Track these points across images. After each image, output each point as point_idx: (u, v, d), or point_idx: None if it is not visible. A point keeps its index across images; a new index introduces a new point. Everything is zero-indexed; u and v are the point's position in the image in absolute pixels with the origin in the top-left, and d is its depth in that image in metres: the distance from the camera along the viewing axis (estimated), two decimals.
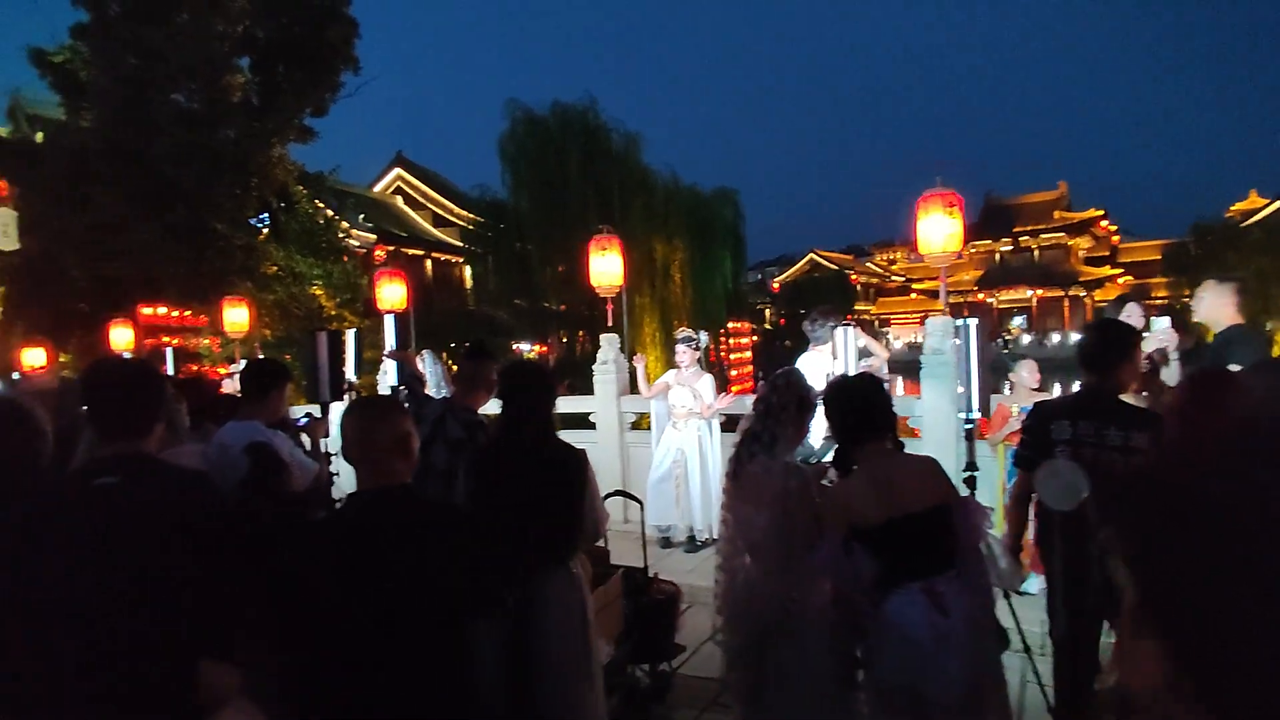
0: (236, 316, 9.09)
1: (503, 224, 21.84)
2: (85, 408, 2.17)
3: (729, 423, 6.00)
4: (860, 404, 2.31)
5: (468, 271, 32.26)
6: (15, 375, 10.29)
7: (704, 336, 6.27)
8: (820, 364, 4.54)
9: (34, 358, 11.79)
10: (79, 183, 12.17)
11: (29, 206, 13.55)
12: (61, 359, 13.83)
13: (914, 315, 54.01)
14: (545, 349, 24.81)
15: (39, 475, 2.19)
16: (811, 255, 60.35)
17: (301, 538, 1.75)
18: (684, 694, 3.71)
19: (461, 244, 30.04)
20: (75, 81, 12.67)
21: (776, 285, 53.53)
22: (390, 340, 6.01)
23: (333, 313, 14.10)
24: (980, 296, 50.07)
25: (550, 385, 2.66)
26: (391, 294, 7.03)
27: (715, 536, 5.80)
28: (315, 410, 4.26)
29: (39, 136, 14.97)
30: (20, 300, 14.88)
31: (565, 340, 24.39)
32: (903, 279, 59.03)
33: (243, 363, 8.05)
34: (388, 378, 7.03)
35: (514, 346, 24.10)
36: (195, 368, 13.28)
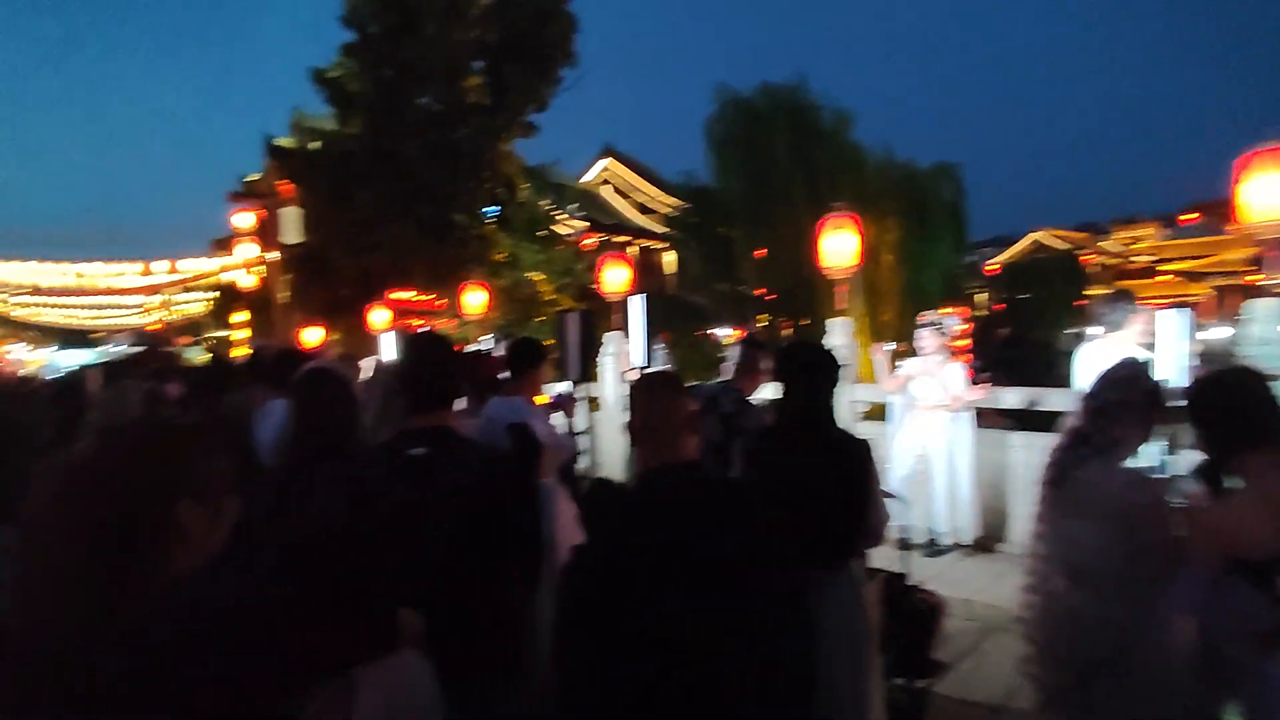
0: (475, 300, 9.87)
1: (707, 209, 21.86)
2: (395, 380, 2.33)
3: (985, 416, 5.45)
4: (1243, 404, 1.88)
5: (669, 257, 32.83)
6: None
7: (952, 322, 5.75)
8: (1115, 352, 3.93)
9: (312, 335, 13.75)
10: (346, 184, 13.91)
11: (308, 207, 15.77)
12: (333, 337, 15.97)
13: (1162, 300, 46.76)
14: (744, 333, 24.60)
15: (354, 440, 2.37)
16: (1035, 234, 54.31)
17: (606, 515, 1.70)
18: (943, 717, 3.38)
19: (665, 230, 30.55)
20: (344, 94, 14.45)
21: (994, 267, 48.84)
22: (637, 322, 6.02)
23: (550, 297, 14.95)
24: (1249, 279, 42.16)
25: (836, 365, 2.46)
26: (616, 278, 7.19)
27: (960, 541, 5.36)
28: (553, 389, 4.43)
29: (314, 145, 17.31)
30: (301, 287, 17.41)
31: (765, 325, 24.02)
32: (1149, 259, 51.41)
33: (489, 341, 8.68)
34: (614, 361, 7.22)
35: (710, 331, 24.13)
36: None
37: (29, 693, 0.99)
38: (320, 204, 14.98)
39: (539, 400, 3.92)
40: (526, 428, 3.04)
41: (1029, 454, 5.48)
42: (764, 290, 22.14)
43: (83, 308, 28.60)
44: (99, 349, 36.18)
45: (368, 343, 11.85)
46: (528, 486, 2.03)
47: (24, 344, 32.98)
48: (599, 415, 7.25)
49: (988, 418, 5.69)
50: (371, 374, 4.28)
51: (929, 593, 3.59)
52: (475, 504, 1.88)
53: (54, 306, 28.46)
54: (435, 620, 1.75)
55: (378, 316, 11.53)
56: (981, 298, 41.65)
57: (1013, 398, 5.71)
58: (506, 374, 3.58)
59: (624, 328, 7.27)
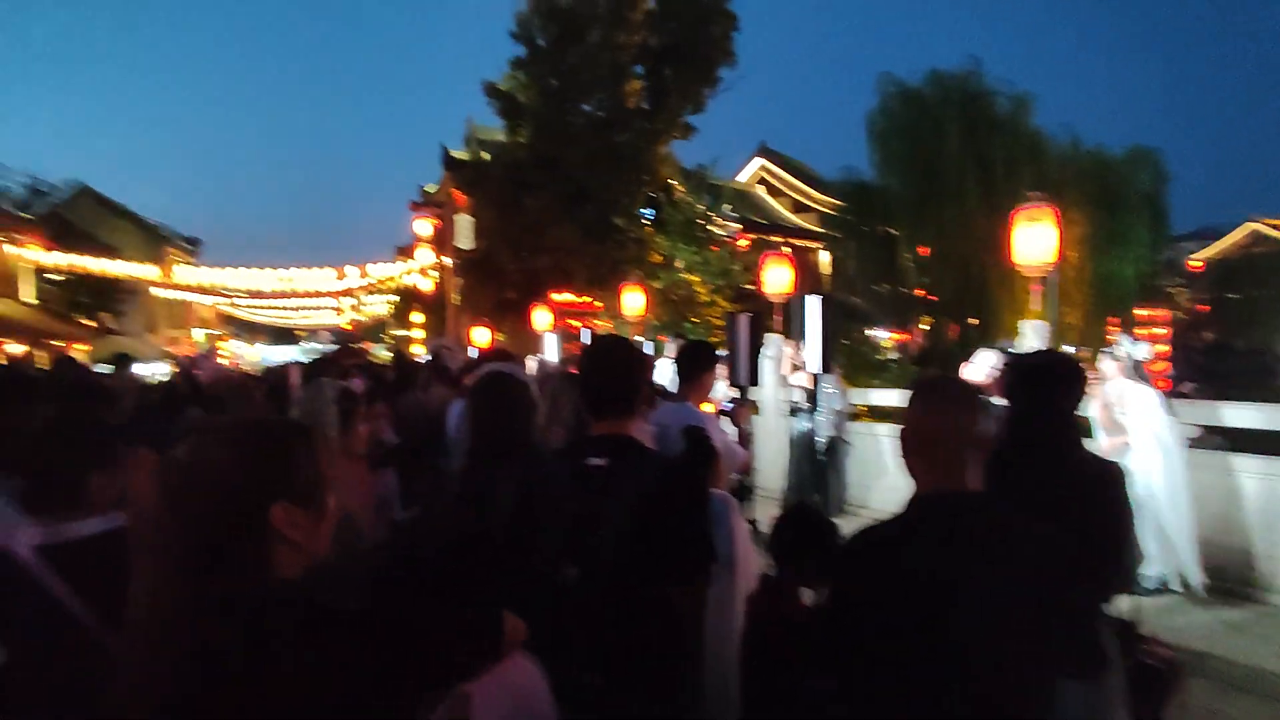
0: (634, 302, 10.00)
1: (866, 206, 20.94)
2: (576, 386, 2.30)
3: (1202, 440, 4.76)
4: None
5: (824, 257, 31.89)
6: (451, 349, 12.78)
7: (1141, 347, 5.04)
8: None
9: (480, 336, 14.58)
10: (515, 190, 14.64)
11: (479, 214, 16.79)
12: (499, 337, 16.88)
13: None
14: (907, 336, 23.33)
15: (530, 444, 2.37)
16: (1252, 224, 47.07)
17: (872, 549, 1.54)
18: None
19: (820, 229, 29.69)
20: (514, 105, 15.23)
21: (1198, 263, 42.91)
22: (814, 324, 5.78)
23: (706, 299, 14.90)
24: None
25: (1081, 377, 2.16)
26: (778, 278, 6.99)
27: (1183, 584, 4.66)
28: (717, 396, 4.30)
29: (484, 156, 18.39)
30: (471, 289, 18.58)
31: (930, 328, 22.65)
32: None
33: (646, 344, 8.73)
34: (773, 364, 7.02)
35: (869, 333, 23.05)
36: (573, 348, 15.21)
37: (135, 690, 0.99)
38: (490, 211, 15.87)
39: (705, 407, 3.85)
40: (703, 433, 2.93)
41: (1269, 483, 4.71)
42: (925, 291, 20.90)
43: (289, 309, 32.16)
44: (301, 345, 40.70)
45: (531, 342, 12.41)
46: (700, 494, 1.92)
47: (242, 340, 37.67)
48: (756, 420, 7.09)
49: (1202, 437, 4.96)
50: (536, 374, 4.41)
51: (1165, 646, 3.15)
52: (649, 515, 1.79)
53: (267, 308, 32.25)
54: (602, 632, 1.74)
55: (540, 317, 12.02)
56: (1185, 297, 36.71)
57: (1246, 415, 4.93)
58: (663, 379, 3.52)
59: (785, 329, 7.06)
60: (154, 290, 25.69)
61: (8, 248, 21.60)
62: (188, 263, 27.55)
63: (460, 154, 20.15)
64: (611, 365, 1.98)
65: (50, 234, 23.46)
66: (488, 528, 1.96)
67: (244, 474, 1.03)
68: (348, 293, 27.17)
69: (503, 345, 14.27)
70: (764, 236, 29.09)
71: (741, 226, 26.13)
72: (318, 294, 26.37)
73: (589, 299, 15.65)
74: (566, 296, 15.83)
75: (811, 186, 33.54)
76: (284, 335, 45.52)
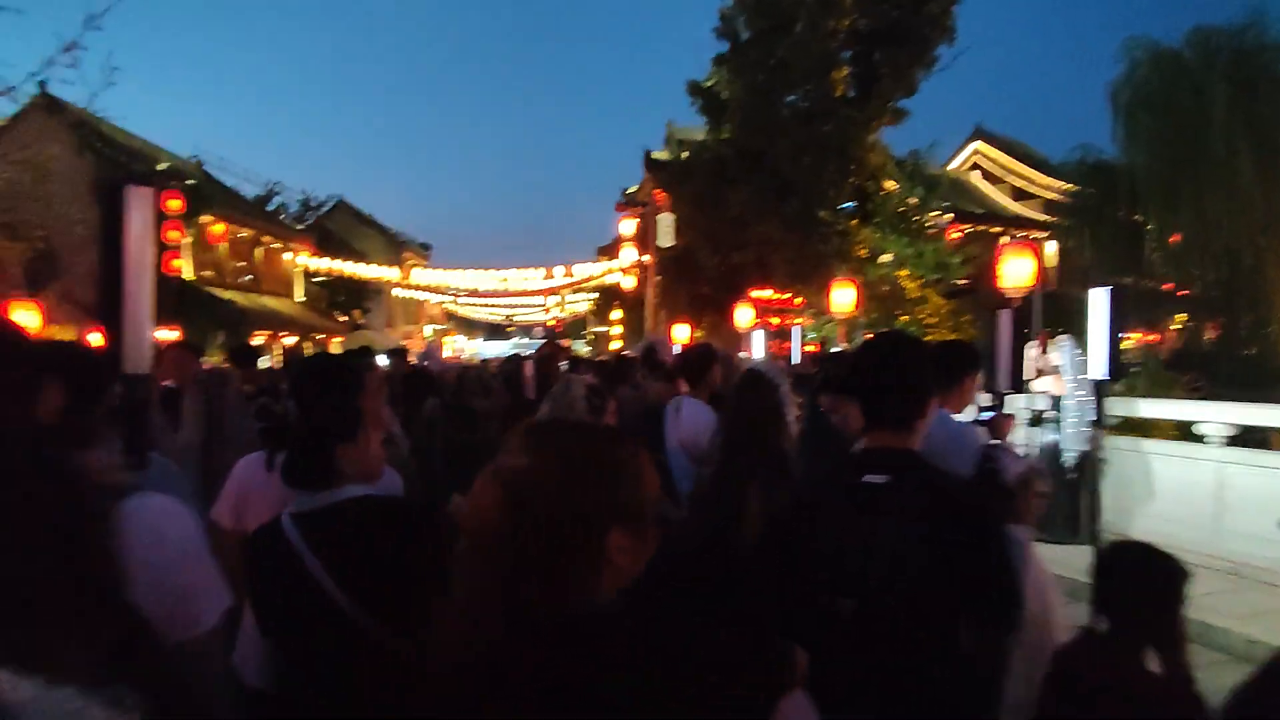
0: (843, 298, 9.57)
1: (1107, 188, 18.47)
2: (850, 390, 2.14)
3: None
4: None
5: (1050, 248, 28.81)
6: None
7: None
8: None
9: (680, 333, 14.79)
10: (717, 187, 14.68)
11: (679, 212, 17.06)
12: (697, 334, 17.06)
13: None
14: (1156, 337, 20.36)
15: (783, 451, 2.27)
16: None
17: None
18: None
19: (1045, 217, 26.88)
20: (717, 102, 15.28)
21: None
22: (1099, 322, 5.10)
23: (916, 294, 13.99)
24: None
25: None
26: (1018, 271, 6.28)
27: None
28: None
29: (683, 156, 18.64)
30: (669, 287, 18.96)
31: (1184, 327, 19.57)
32: None
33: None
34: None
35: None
36: (777, 345, 14.88)
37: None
38: (691, 208, 16.05)
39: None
40: (996, 457, 2.56)
41: None
42: (1176, 285, 18.08)
43: (502, 306, 34.86)
44: (512, 340, 43.99)
45: (731, 339, 12.37)
46: (1000, 531, 1.65)
47: (462, 335, 41.43)
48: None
49: None
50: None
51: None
52: (942, 544, 1.57)
53: (484, 305, 35.20)
54: (882, 675, 1.56)
55: (742, 314, 11.93)
56: None
57: None
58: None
59: (1029, 329, 6.38)
60: (394, 290, 29.00)
61: (285, 255, 25.51)
62: (421, 265, 30.79)
63: (661, 154, 20.61)
64: (896, 367, 1.75)
65: (316, 242, 27.31)
66: (732, 539, 1.90)
67: (584, 493, 0.95)
68: (554, 291, 28.94)
69: (707, 342, 14.36)
70: (978, 226, 26.86)
71: (953, 217, 24.30)
72: (527, 292, 28.36)
73: (789, 295, 15.32)
74: (766, 293, 15.62)
75: (1035, 170, 30.48)
76: (497, 330, 49.37)
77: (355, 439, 1.94)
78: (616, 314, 25.94)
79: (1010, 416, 3.26)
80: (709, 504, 2.08)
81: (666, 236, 17.08)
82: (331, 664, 1.84)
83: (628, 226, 18.46)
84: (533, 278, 26.18)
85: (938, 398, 1.95)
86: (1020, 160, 31.36)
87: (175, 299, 17.00)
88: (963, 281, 14.57)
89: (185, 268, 19.06)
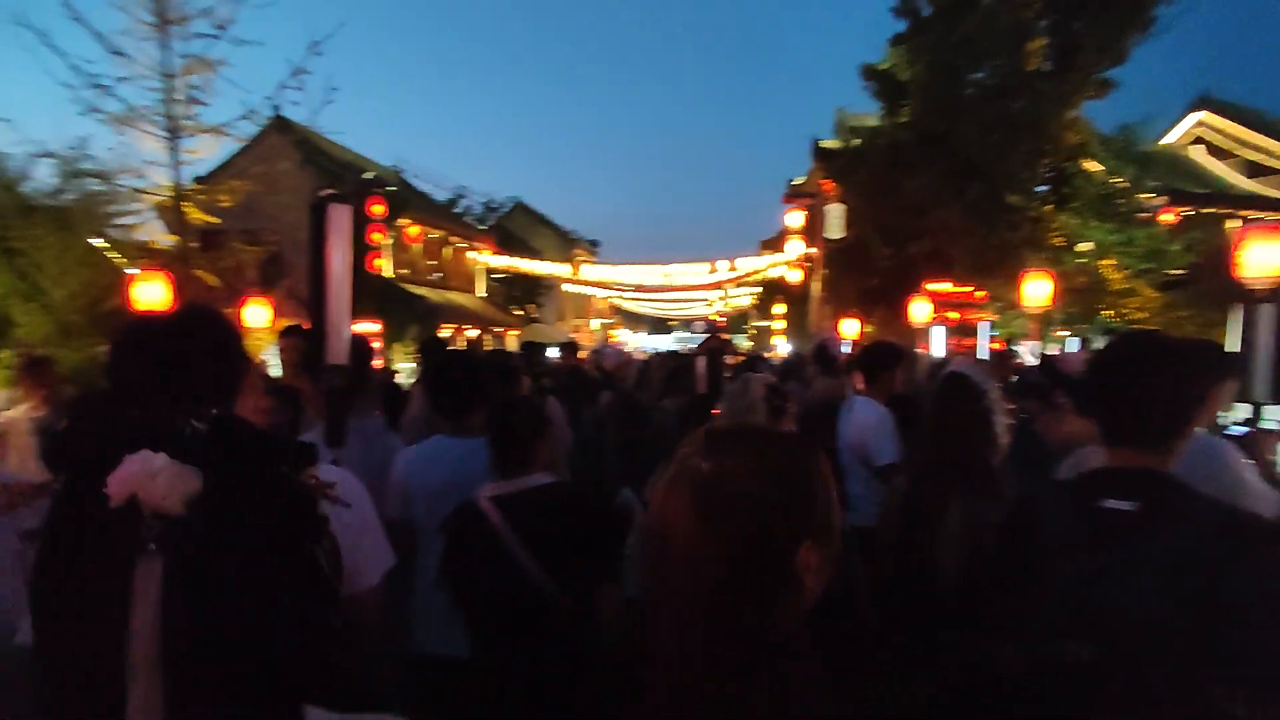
0: (1036, 291, 8.70)
1: None
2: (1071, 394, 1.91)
3: None
4: None
5: None
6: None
7: None
8: None
9: (848, 327, 14.22)
10: (891, 174, 13.94)
11: (848, 203, 16.40)
12: (867, 329, 16.34)
13: None
14: None
15: (988, 466, 2.03)
16: None
17: None
18: None
19: None
20: (894, 84, 14.49)
21: None
22: None
23: (1121, 286, 12.50)
24: None
25: None
26: (1266, 258, 5.37)
27: None
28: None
29: (854, 143, 17.84)
30: (836, 280, 18.29)
31: None
32: None
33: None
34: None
35: None
36: (958, 342, 13.76)
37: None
38: (862, 198, 15.38)
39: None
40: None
41: None
42: None
43: (666, 301, 35.36)
44: (674, 334, 44.54)
45: (904, 335, 11.67)
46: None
47: (626, 329, 42.56)
48: None
49: None
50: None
51: None
52: (1208, 586, 1.29)
53: (648, 301, 35.90)
54: None
55: (919, 308, 11.20)
56: None
57: None
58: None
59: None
60: (564, 286, 30.32)
61: (470, 254, 27.49)
62: (590, 261, 31.96)
63: (830, 144, 19.91)
64: (1154, 373, 1.48)
65: (496, 241, 29.17)
66: (929, 567, 1.74)
67: (778, 507, 0.89)
68: (717, 285, 28.95)
69: (890, 340, 13.70)
70: (1202, 209, 23.51)
71: (1166, 200, 21.44)
72: (690, 287, 28.57)
73: (970, 288, 14.23)
74: (944, 286, 14.61)
75: (1277, 139, 26.19)
76: (660, 325, 50.19)
77: (545, 433, 2.21)
78: (779, 308, 25.49)
79: (1271, 433, 2.66)
80: (900, 524, 1.93)
81: (835, 228, 16.49)
82: (523, 630, 2.05)
83: (794, 219, 18.03)
84: (696, 272, 26.34)
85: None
86: (1258, 130, 27.04)
87: (377, 295, 18.85)
88: (1178, 272, 12.77)
89: (386, 267, 21.06)
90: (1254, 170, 26.87)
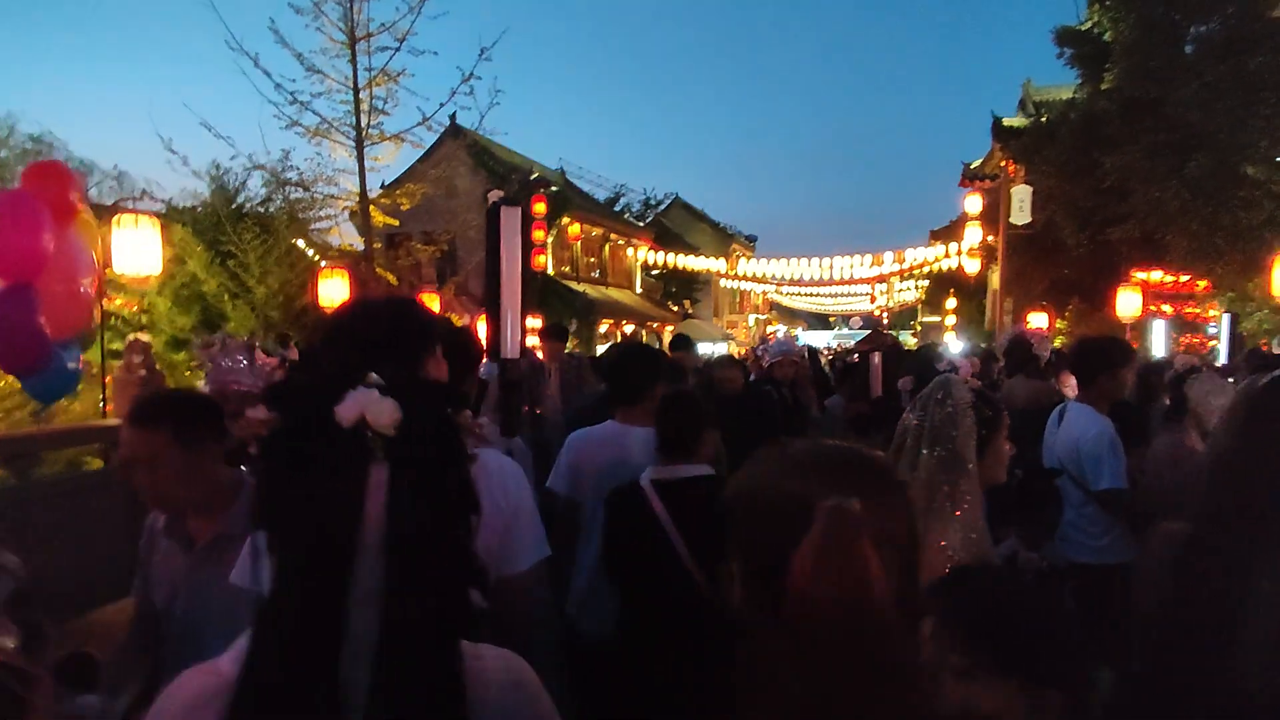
0: None
1: None
2: None
3: None
4: None
5: None
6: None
7: None
8: None
9: (1037, 321, 12.83)
10: (1088, 150, 12.35)
11: (1035, 185, 14.76)
12: (1058, 325, 14.68)
13: None
14: None
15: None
16: None
17: None
18: None
19: None
20: (1096, 47, 12.83)
21: None
22: None
23: None
24: None
25: None
26: None
27: None
28: None
29: (1044, 119, 16.03)
30: (1022, 270, 16.58)
31: None
32: None
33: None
34: None
35: None
36: (1193, 340, 11.89)
37: None
38: (1052, 179, 13.78)
39: None
40: None
41: None
42: None
43: (825, 296, 34.06)
44: (834, 331, 42.86)
45: (1104, 330, 10.24)
46: None
47: (783, 325, 41.55)
48: None
49: None
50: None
51: None
52: None
53: (806, 295, 34.75)
54: None
55: (1127, 301, 9.80)
56: None
57: None
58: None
59: None
60: (721, 281, 30.00)
61: (628, 250, 27.91)
62: (747, 255, 31.41)
63: (1013, 121, 18.08)
64: None
65: (654, 238, 29.40)
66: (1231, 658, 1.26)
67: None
68: (881, 279, 27.36)
69: (1113, 336, 12.21)
70: None
71: None
72: (852, 280, 27.21)
73: (1189, 277, 12.32)
74: (1155, 274, 12.76)
75: None
76: (820, 321, 48.57)
77: (709, 426, 2.39)
78: (951, 303, 23.68)
79: None
80: (1173, 593, 1.42)
81: (1022, 212, 14.91)
82: (668, 608, 2.18)
83: (973, 203, 16.54)
84: (859, 264, 25.05)
85: None
86: None
87: (539, 291, 19.58)
88: None
89: (548, 264, 21.82)
90: None
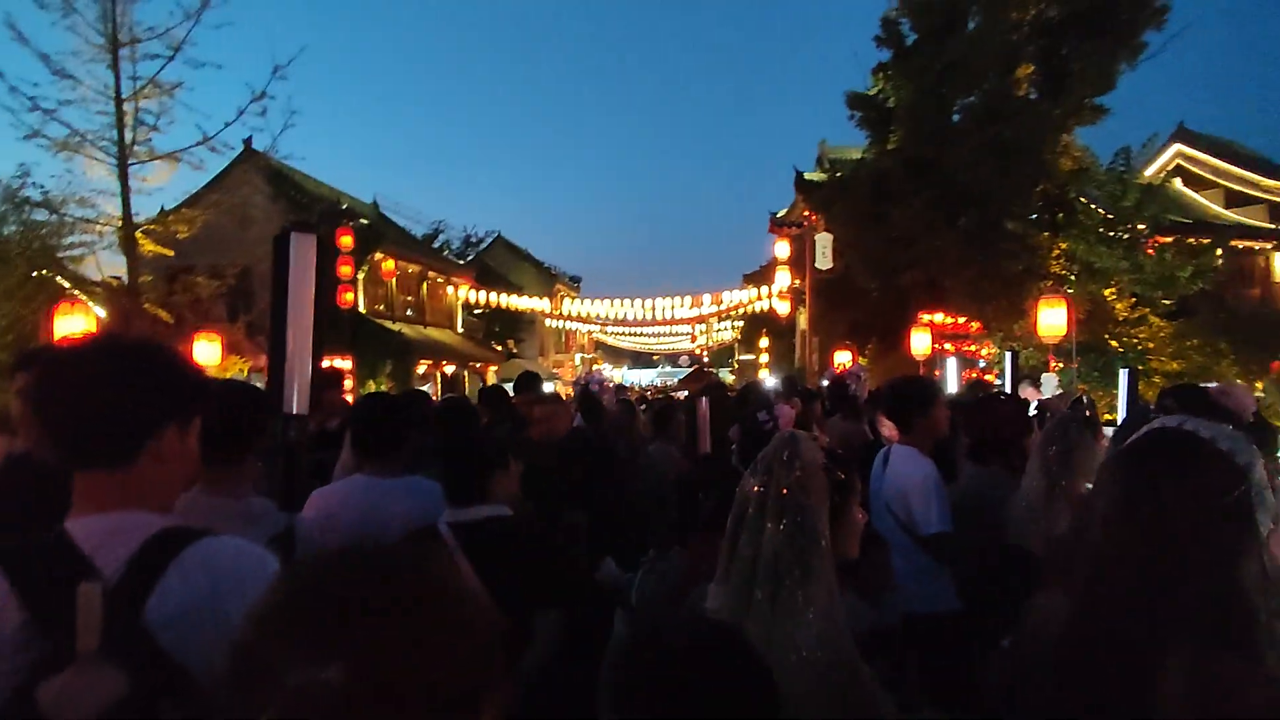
0: (1052, 319, 8.15)
1: None
2: None
3: None
4: None
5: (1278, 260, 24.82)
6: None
7: None
8: None
9: (843, 358, 13.68)
10: (878, 204, 13.51)
11: (835, 234, 15.96)
12: (860, 361, 15.79)
13: None
14: None
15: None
16: None
17: None
18: None
19: (1266, 225, 23.28)
20: (880, 112, 14.15)
21: None
22: None
23: (1124, 315, 12.07)
24: None
25: None
26: None
27: None
28: None
29: (839, 175, 17.44)
30: (825, 312, 17.77)
31: None
32: None
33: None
34: None
35: None
36: (974, 375, 13.24)
37: None
38: (847, 229, 14.96)
39: None
40: None
41: None
42: None
43: (649, 335, 34.79)
44: (658, 369, 43.96)
45: (899, 368, 11.11)
46: None
47: (609, 364, 41.93)
48: None
49: None
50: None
51: None
52: None
53: (631, 334, 35.32)
54: None
55: (919, 340, 10.67)
56: None
57: None
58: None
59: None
60: (546, 321, 29.66)
61: (448, 289, 26.79)
62: (571, 296, 31.36)
63: (814, 175, 19.58)
64: None
65: (476, 276, 28.52)
66: None
67: None
68: (700, 319, 28.44)
69: (920, 375, 13.09)
70: (1184, 238, 23.51)
71: (1145, 228, 21.38)
72: (674, 321, 28.03)
73: (965, 319, 13.75)
74: (938, 317, 14.13)
75: (1254, 172, 26.48)
76: (643, 360, 49.60)
77: (507, 467, 2.33)
78: (764, 342, 25.00)
79: None
80: (1057, 676, 1.17)
81: (825, 258, 16.03)
82: None
83: (781, 249, 17.59)
84: (679, 306, 25.83)
85: None
86: (1231, 161, 27.34)
87: (349, 331, 18.10)
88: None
89: (359, 301, 20.34)
90: (1233, 200, 27.11)
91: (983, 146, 11.66)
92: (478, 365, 25.99)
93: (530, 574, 2.14)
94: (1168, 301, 12.37)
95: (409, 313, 24.58)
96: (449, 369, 23.17)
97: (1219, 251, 21.39)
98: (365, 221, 20.62)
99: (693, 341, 34.83)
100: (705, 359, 35.91)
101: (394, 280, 23.32)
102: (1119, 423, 4.29)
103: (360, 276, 20.19)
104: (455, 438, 2.50)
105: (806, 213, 18.92)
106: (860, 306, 16.46)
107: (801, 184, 19.27)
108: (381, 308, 22.71)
